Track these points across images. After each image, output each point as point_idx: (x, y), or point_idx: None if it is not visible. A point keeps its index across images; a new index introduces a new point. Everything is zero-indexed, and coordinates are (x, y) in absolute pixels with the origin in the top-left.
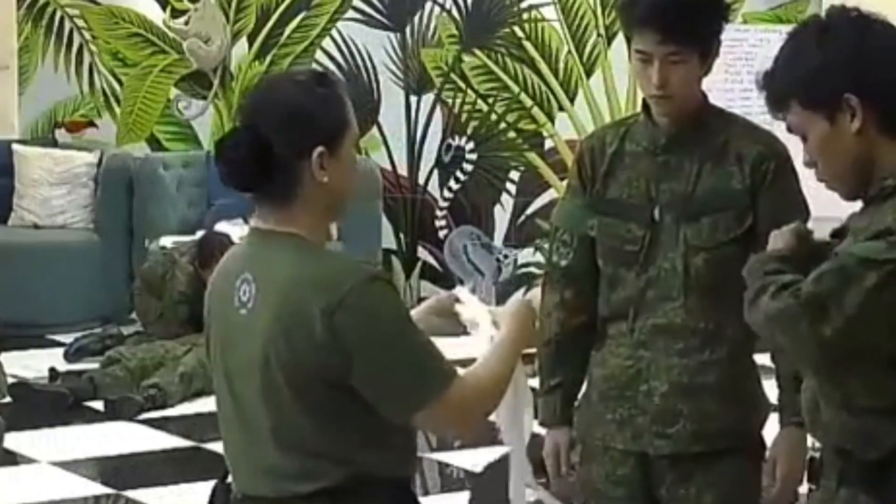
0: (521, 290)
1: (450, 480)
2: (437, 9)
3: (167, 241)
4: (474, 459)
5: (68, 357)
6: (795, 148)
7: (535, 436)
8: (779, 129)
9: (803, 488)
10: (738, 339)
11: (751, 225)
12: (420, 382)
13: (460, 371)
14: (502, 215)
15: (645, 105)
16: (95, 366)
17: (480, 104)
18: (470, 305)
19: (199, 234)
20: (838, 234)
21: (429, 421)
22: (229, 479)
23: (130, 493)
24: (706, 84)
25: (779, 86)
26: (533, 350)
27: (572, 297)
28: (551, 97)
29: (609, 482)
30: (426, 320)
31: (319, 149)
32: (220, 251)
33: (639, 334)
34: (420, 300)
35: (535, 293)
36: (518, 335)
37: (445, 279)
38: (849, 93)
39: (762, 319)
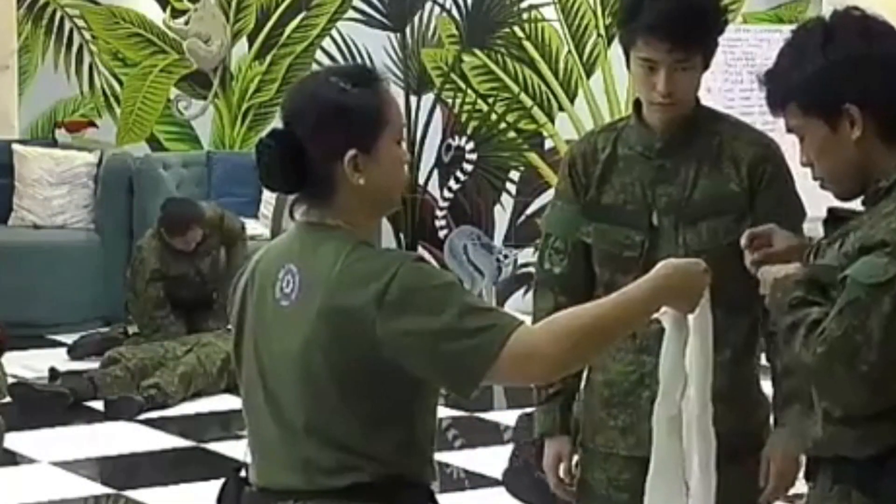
0: (522, 290)
1: (450, 480)
2: (437, 9)
3: None
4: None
5: (71, 353)
6: (788, 147)
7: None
8: (779, 130)
9: (803, 487)
10: (739, 342)
11: (750, 227)
12: (475, 346)
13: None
14: (502, 215)
15: (636, 108)
16: (95, 366)
17: (480, 104)
18: None
19: None
20: (838, 219)
21: (502, 379)
22: (242, 473)
23: (130, 493)
24: (705, 84)
25: (779, 87)
26: None
27: (567, 303)
28: (551, 97)
29: (612, 487)
30: None
31: (351, 152)
32: (192, 219)
33: (641, 340)
34: None
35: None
36: (657, 284)
37: None
38: (850, 101)
39: (802, 367)
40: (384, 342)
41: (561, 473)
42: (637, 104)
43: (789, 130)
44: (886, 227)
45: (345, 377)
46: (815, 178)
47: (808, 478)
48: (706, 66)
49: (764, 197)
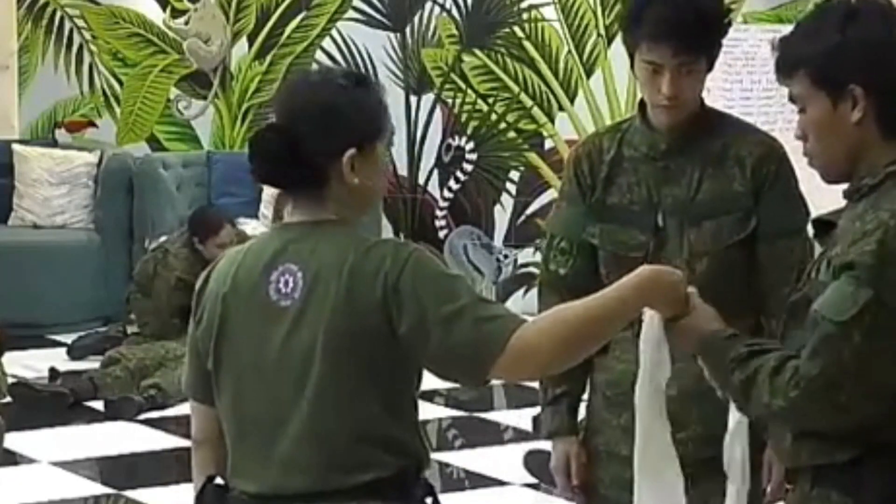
0: (522, 291)
1: (450, 480)
2: (437, 9)
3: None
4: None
5: (71, 353)
6: (793, 147)
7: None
8: (779, 130)
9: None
10: None
11: (753, 227)
12: (489, 332)
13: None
14: (502, 215)
15: (641, 109)
16: (95, 366)
17: (480, 104)
18: None
19: None
20: (826, 225)
21: (499, 372)
22: (217, 480)
23: (130, 493)
24: (705, 84)
25: (792, 53)
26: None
27: None
28: (551, 97)
29: (614, 487)
30: None
31: (351, 151)
32: (227, 220)
33: None
34: None
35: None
36: (636, 288)
37: None
38: (857, 83)
39: (772, 414)
40: (404, 328)
41: (572, 474)
42: (642, 105)
43: (791, 100)
44: (858, 249)
45: (373, 364)
46: (805, 154)
47: (787, 479)
48: (710, 68)
49: (769, 197)
